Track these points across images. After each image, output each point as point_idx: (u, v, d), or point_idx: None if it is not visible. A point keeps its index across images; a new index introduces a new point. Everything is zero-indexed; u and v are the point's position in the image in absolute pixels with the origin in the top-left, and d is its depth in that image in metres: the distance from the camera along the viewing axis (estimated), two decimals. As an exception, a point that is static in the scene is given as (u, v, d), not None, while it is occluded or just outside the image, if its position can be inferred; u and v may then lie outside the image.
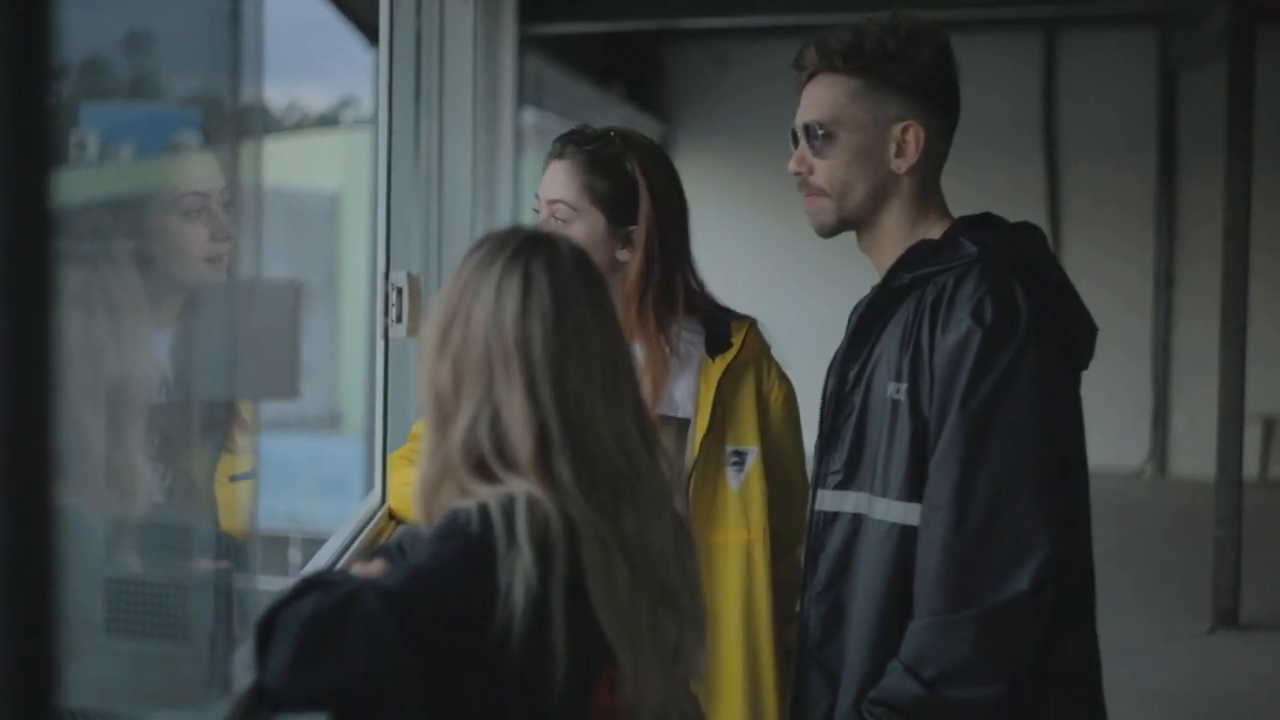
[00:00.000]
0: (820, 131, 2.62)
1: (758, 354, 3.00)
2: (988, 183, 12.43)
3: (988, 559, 2.40)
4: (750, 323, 3.01)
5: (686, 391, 2.93)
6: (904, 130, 2.60)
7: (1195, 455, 13.14)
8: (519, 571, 1.80)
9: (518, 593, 1.79)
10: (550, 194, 2.95)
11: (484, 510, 1.85)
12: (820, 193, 2.64)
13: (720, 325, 2.98)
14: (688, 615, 2.03)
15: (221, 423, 2.22)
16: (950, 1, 9.49)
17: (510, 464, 1.89)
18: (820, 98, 2.64)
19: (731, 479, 2.91)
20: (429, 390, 1.94)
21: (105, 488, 2.15)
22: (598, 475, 1.93)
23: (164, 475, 2.58)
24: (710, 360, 2.93)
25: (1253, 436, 11.16)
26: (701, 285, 3.02)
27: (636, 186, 2.93)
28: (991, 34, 13.44)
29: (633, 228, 2.91)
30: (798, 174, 2.67)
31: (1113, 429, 13.48)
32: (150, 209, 2.70)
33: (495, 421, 1.90)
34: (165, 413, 2.62)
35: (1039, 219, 14.17)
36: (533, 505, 1.85)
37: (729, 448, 2.93)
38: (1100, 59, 14.20)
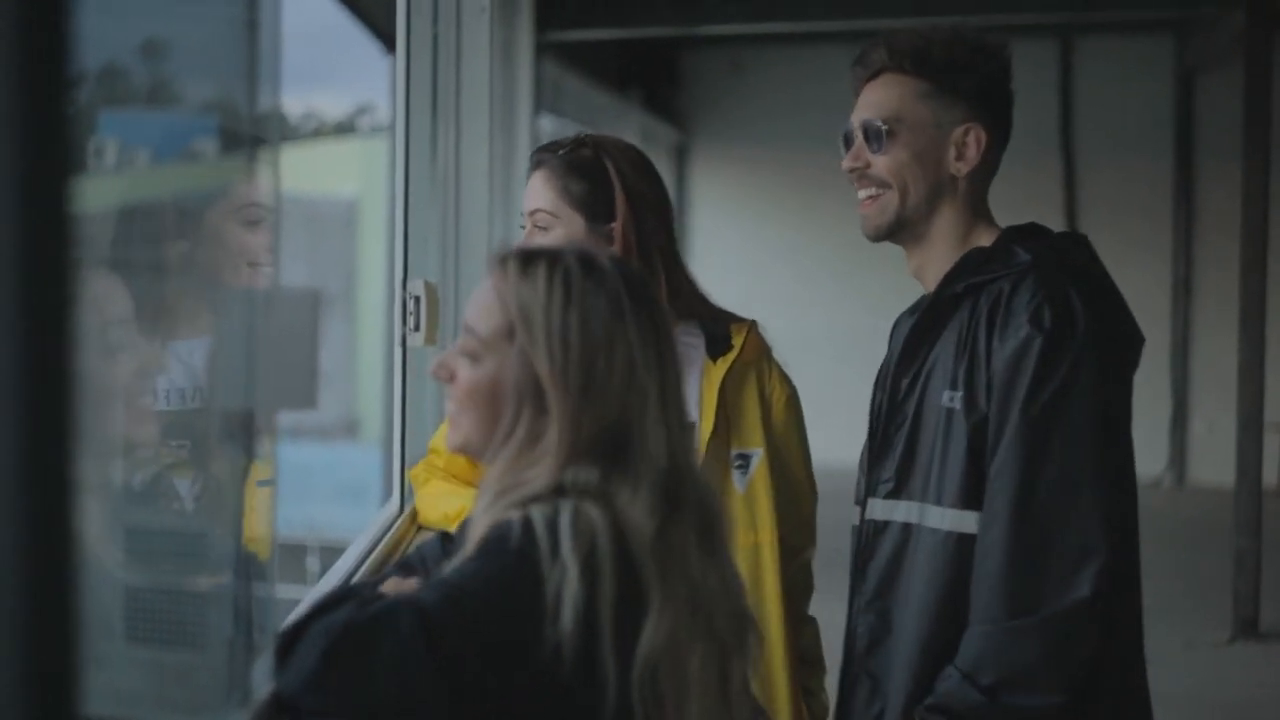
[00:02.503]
0: (883, 128, 2.62)
1: (759, 355, 3.01)
2: (1004, 190, 12.36)
3: (1048, 565, 2.41)
4: (751, 324, 3.02)
5: (689, 394, 2.93)
6: (965, 132, 2.62)
7: (1214, 463, 13.09)
8: (566, 591, 1.78)
9: (566, 615, 1.78)
10: (531, 204, 2.97)
11: (527, 523, 1.83)
12: (882, 185, 2.63)
13: (719, 328, 2.99)
14: (740, 649, 2.02)
15: (254, 429, 2.22)
16: (967, 7, 9.48)
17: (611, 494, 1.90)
18: (884, 96, 2.65)
19: (736, 482, 2.92)
20: (570, 423, 1.91)
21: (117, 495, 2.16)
22: (677, 510, 1.94)
23: (194, 481, 2.58)
24: (712, 363, 2.93)
25: (1272, 444, 11.12)
26: (694, 285, 3.01)
27: (612, 186, 2.93)
28: (1008, 40, 13.39)
29: (612, 225, 2.92)
30: (853, 170, 2.66)
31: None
32: (213, 212, 2.71)
33: (613, 457, 1.92)
34: (197, 419, 2.63)
35: (1056, 226, 14.02)
36: (579, 516, 1.84)
37: (733, 450, 2.94)
38: (1117, 65, 14.18)
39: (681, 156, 15.48)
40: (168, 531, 2.50)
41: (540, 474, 1.90)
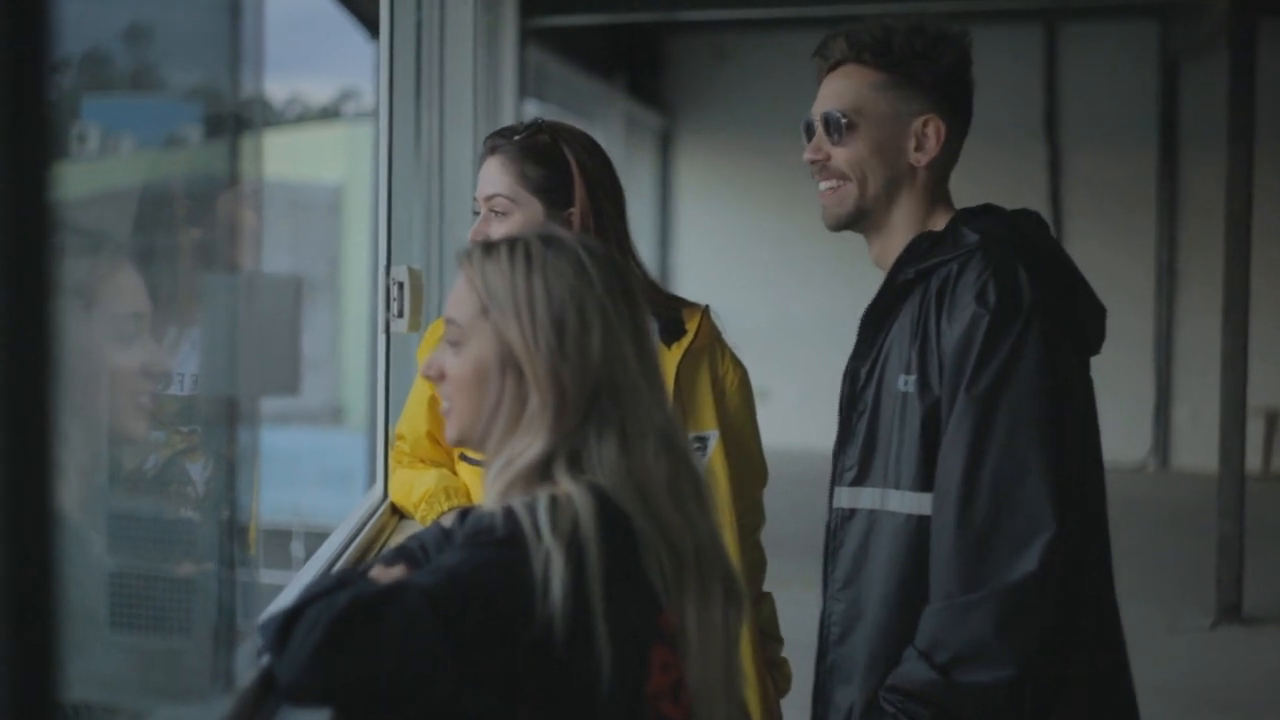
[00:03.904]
0: (842, 120, 2.64)
1: (712, 340, 3.04)
2: (989, 176, 12.36)
3: (997, 541, 2.42)
4: (704, 309, 3.04)
5: None
6: (925, 124, 2.63)
7: (1198, 449, 13.13)
8: (553, 569, 1.82)
9: (555, 589, 1.81)
10: (486, 190, 2.97)
11: (508, 513, 1.88)
12: (841, 177, 2.65)
13: (672, 313, 3.00)
14: (737, 593, 2.07)
15: (255, 414, 2.23)
16: (952, -6, 9.48)
17: (598, 463, 1.95)
18: (843, 88, 2.67)
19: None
20: (549, 384, 1.96)
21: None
22: (675, 464, 2.00)
23: (204, 465, 2.59)
24: (666, 348, 2.94)
25: (1255, 430, 11.15)
26: (645, 271, 3.02)
27: (570, 171, 2.94)
28: (992, 26, 13.44)
29: (570, 210, 2.92)
30: (814, 162, 2.68)
31: (1115, 422, 13.40)
32: (225, 198, 2.72)
33: (614, 417, 1.97)
34: (200, 404, 2.64)
35: (1041, 211, 14.11)
36: (556, 504, 1.88)
37: (690, 434, 2.95)
38: (1101, 51, 14.20)
39: (665, 142, 15.48)
40: (154, 517, 2.50)
41: (533, 440, 1.95)
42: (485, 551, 1.85)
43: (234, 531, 2.02)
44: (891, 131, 2.63)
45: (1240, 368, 8.51)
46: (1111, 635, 2.62)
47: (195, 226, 2.39)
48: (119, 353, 2.26)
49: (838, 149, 2.65)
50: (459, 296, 2.03)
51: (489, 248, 2.03)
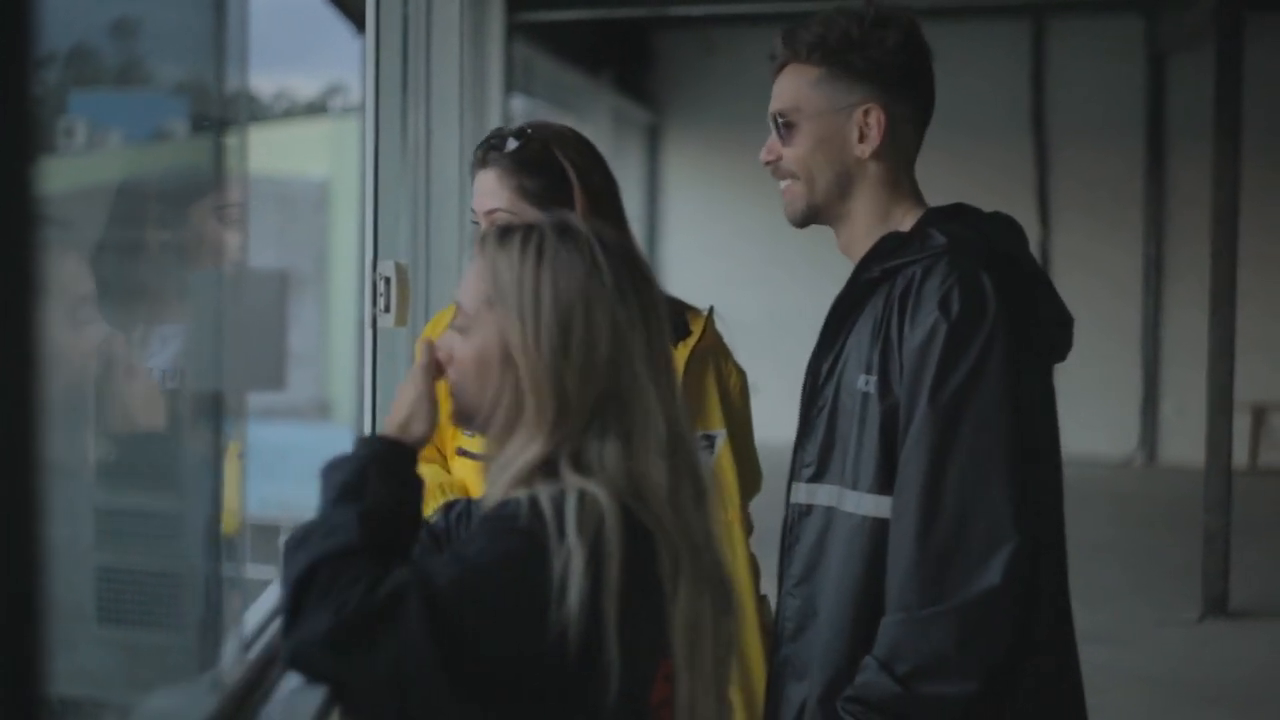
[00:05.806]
0: (783, 120, 2.63)
1: (715, 341, 3.04)
2: (977, 171, 12.44)
3: (958, 553, 2.40)
4: (708, 312, 3.05)
5: None
6: (865, 114, 2.59)
7: (1185, 443, 13.14)
8: (572, 573, 1.79)
9: (571, 598, 1.79)
10: (485, 205, 2.97)
11: (534, 502, 1.85)
12: (792, 177, 2.64)
13: (676, 315, 3.00)
14: (728, 598, 2.06)
15: (224, 409, 2.23)
16: (939, -12, 9.50)
17: (599, 464, 1.91)
18: (784, 87, 2.65)
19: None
20: (549, 386, 1.92)
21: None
22: (677, 468, 1.97)
23: (175, 458, 2.59)
24: (671, 348, 2.96)
25: (1242, 424, 11.17)
26: None
27: (566, 176, 2.94)
28: (980, 21, 13.46)
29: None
30: (768, 163, 2.67)
31: (1102, 417, 13.50)
32: (196, 208, 2.71)
33: (618, 420, 1.94)
34: (175, 399, 2.64)
35: (1028, 206, 14.23)
36: (585, 501, 1.85)
37: (698, 432, 2.95)
38: (1088, 46, 14.21)
39: (653, 137, 15.48)
40: (140, 512, 2.50)
41: (530, 442, 1.92)
42: (503, 544, 1.82)
43: (216, 524, 2.02)
44: (831, 125, 2.61)
45: (1227, 361, 8.53)
46: (1064, 642, 2.60)
47: (164, 229, 2.39)
48: (79, 338, 2.27)
49: (786, 149, 2.64)
50: (469, 282, 2.02)
51: (504, 235, 2.01)
